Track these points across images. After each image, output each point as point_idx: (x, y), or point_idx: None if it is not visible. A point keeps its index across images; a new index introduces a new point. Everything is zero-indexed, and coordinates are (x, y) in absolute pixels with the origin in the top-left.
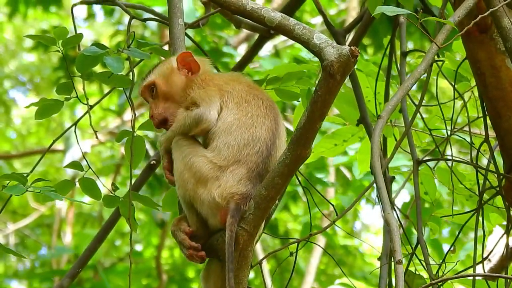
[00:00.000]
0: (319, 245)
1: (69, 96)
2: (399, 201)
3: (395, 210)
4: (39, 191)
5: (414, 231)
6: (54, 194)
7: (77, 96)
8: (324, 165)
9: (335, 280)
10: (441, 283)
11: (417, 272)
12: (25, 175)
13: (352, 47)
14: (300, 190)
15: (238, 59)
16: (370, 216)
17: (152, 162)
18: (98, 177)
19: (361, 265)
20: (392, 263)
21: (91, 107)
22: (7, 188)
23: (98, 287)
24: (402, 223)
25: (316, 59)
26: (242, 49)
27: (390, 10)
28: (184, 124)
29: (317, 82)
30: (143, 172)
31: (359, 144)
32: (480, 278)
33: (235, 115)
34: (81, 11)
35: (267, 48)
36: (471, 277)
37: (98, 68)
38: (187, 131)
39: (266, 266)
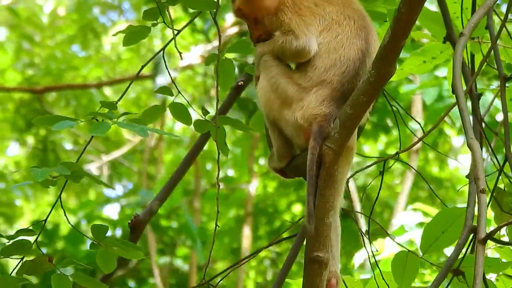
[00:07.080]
0: (409, 165)
1: (156, 22)
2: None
3: (482, 128)
4: (124, 126)
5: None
6: (139, 130)
7: (164, 21)
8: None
9: None
10: None
11: (505, 189)
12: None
13: None
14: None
15: None
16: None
17: (239, 83)
18: (188, 102)
19: (452, 197)
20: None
21: (178, 32)
22: (92, 128)
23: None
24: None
25: None
26: None
27: None
28: (282, 51)
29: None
30: (230, 93)
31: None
32: None
33: (324, 39)
34: None
35: None
36: None
37: None
38: (281, 57)
39: (352, 184)
